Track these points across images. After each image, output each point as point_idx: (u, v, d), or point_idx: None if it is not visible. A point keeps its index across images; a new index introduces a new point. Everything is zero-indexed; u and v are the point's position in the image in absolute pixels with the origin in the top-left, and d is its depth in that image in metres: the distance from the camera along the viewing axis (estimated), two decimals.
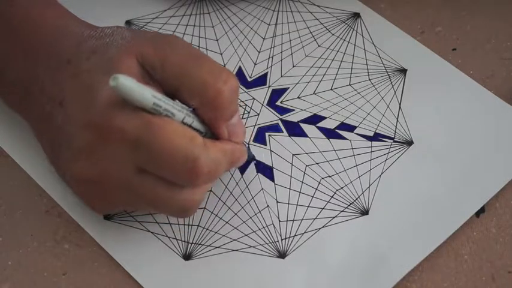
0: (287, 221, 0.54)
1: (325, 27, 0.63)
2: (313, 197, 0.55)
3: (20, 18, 0.54)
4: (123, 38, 0.51)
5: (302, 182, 0.56)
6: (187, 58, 0.49)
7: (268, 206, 0.55)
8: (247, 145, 0.57)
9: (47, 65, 0.52)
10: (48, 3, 0.55)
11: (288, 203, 0.55)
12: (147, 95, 0.46)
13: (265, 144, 0.58)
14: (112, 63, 0.49)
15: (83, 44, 0.51)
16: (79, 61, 0.50)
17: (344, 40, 0.62)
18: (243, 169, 0.56)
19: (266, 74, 0.61)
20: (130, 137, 0.47)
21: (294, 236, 0.54)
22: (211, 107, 0.48)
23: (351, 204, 0.55)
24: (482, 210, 0.55)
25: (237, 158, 0.51)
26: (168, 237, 0.54)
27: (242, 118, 0.59)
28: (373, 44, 0.62)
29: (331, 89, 0.60)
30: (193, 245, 0.53)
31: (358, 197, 0.55)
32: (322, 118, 0.59)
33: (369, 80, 0.60)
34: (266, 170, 0.56)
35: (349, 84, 0.60)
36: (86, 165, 0.49)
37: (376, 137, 0.58)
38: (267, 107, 0.59)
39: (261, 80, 0.61)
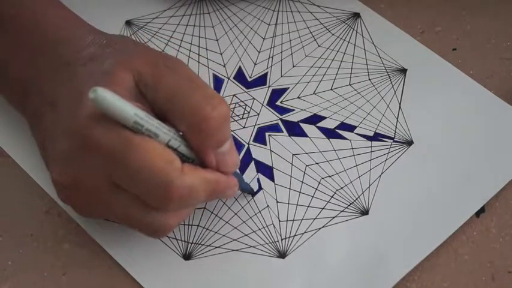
0: (287, 221, 0.54)
1: (325, 27, 0.63)
2: (313, 197, 0.55)
3: (25, 19, 0.54)
4: (124, 51, 0.50)
5: (302, 182, 0.56)
6: (181, 82, 0.48)
7: (268, 206, 0.55)
8: (241, 175, 0.55)
9: (48, 65, 0.52)
10: (54, 5, 0.55)
11: (288, 203, 0.55)
12: (129, 112, 0.45)
13: (265, 144, 0.58)
14: (105, 74, 0.48)
15: (83, 50, 0.51)
16: (76, 66, 0.50)
17: (344, 40, 0.62)
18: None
19: (266, 74, 0.61)
20: (106, 151, 0.46)
21: (294, 236, 0.54)
22: (198, 132, 0.48)
23: (351, 204, 0.55)
24: (482, 210, 0.55)
25: (222, 189, 0.50)
26: (168, 237, 0.53)
27: (242, 118, 0.59)
28: (373, 44, 0.62)
29: (331, 89, 0.60)
30: (193, 245, 0.53)
31: (358, 197, 0.55)
32: (322, 118, 0.59)
33: (369, 80, 0.60)
34: (266, 170, 0.56)
35: (349, 84, 0.60)
36: (63, 171, 0.49)
37: (376, 137, 0.58)
38: (267, 107, 0.59)
39: (261, 80, 0.61)
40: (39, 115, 0.51)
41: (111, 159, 0.46)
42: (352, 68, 0.61)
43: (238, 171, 0.54)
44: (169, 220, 0.49)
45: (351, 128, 0.58)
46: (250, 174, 0.56)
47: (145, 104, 0.48)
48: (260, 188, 0.56)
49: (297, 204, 0.55)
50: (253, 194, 0.55)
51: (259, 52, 0.62)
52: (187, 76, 0.49)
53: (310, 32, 0.63)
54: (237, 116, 0.59)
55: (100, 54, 0.50)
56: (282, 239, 0.54)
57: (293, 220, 0.54)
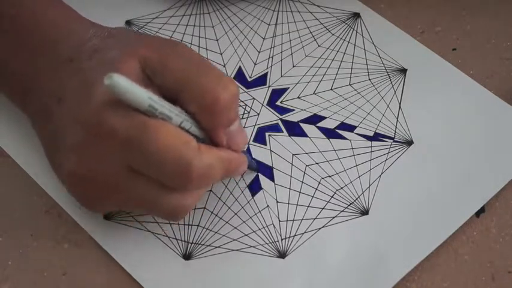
0: (287, 221, 0.54)
1: (325, 27, 0.63)
2: (313, 197, 0.55)
3: (25, 19, 0.54)
4: (127, 40, 0.51)
5: (302, 182, 0.56)
6: (189, 64, 0.49)
7: (268, 206, 0.55)
8: (250, 157, 0.56)
9: (50, 62, 0.52)
10: (54, 3, 0.55)
11: (288, 203, 0.55)
12: (143, 96, 0.46)
13: (265, 144, 0.58)
14: (113, 64, 0.49)
15: (86, 43, 0.51)
16: (81, 60, 0.50)
17: (344, 40, 0.62)
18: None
19: (266, 74, 0.61)
20: (122, 136, 0.46)
21: (294, 236, 0.54)
22: (209, 113, 0.48)
23: (351, 204, 0.55)
24: (482, 210, 0.55)
25: (235, 167, 0.51)
26: (168, 237, 0.54)
27: (242, 118, 0.59)
28: (373, 44, 0.62)
29: (331, 89, 0.60)
30: (193, 244, 0.53)
31: (358, 197, 0.55)
32: (322, 118, 0.59)
33: (369, 80, 0.60)
34: (266, 170, 0.56)
35: (349, 84, 0.60)
36: (78, 162, 0.49)
37: (376, 136, 0.58)
38: (267, 107, 0.59)
39: (261, 80, 0.61)
40: (44, 112, 0.51)
41: (127, 144, 0.46)
42: (352, 68, 0.61)
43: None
44: (187, 200, 0.49)
45: (351, 128, 0.58)
46: (250, 174, 0.56)
47: (154, 89, 0.48)
48: (260, 188, 0.56)
49: (297, 204, 0.55)
50: (258, 171, 0.56)
51: (259, 52, 0.62)
52: (194, 58, 0.49)
53: (310, 32, 0.63)
54: None
55: (104, 45, 0.51)
56: (282, 239, 0.54)
57: (293, 220, 0.54)
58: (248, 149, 0.57)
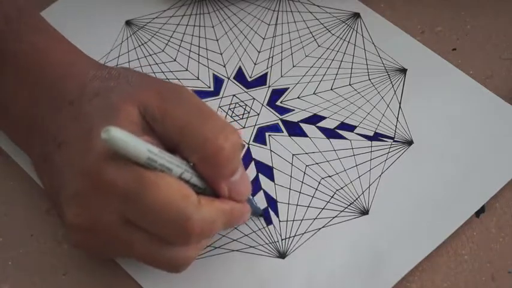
0: (287, 221, 0.54)
1: (325, 27, 0.63)
2: (313, 197, 0.55)
3: (26, 55, 0.53)
4: (128, 83, 0.49)
5: (302, 182, 0.56)
6: (190, 112, 0.47)
7: (268, 206, 0.55)
8: (253, 199, 0.54)
9: (50, 104, 0.51)
10: (55, 38, 0.55)
11: (288, 203, 0.55)
12: (141, 149, 0.44)
13: (265, 144, 0.58)
14: (112, 110, 0.47)
15: (87, 86, 0.50)
16: (81, 103, 0.49)
17: (344, 40, 0.62)
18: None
19: (266, 74, 0.61)
20: (121, 189, 0.45)
21: (294, 236, 0.54)
22: (210, 164, 0.47)
23: (351, 204, 0.55)
24: (482, 210, 0.55)
25: (237, 218, 0.49)
26: None
27: (242, 118, 0.59)
28: (373, 44, 0.62)
29: (331, 89, 0.60)
30: None
31: (358, 197, 0.55)
32: (322, 118, 0.59)
33: (369, 79, 0.60)
34: (266, 170, 0.56)
35: (349, 84, 0.60)
36: (78, 212, 0.47)
37: (376, 136, 0.58)
38: (267, 107, 0.59)
39: (261, 80, 0.61)
40: (45, 156, 0.50)
41: (126, 198, 0.45)
42: (352, 68, 0.61)
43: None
44: (188, 253, 0.48)
45: (351, 128, 0.58)
46: (250, 175, 0.56)
47: (154, 137, 0.47)
48: (260, 188, 0.56)
49: (297, 205, 0.55)
50: (262, 215, 0.54)
51: (259, 52, 0.62)
52: (195, 105, 0.48)
53: (310, 32, 0.63)
54: (237, 116, 0.59)
55: (104, 88, 0.49)
56: (282, 239, 0.54)
57: (293, 220, 0.54)
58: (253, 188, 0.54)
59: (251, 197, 0.53)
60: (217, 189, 0.48)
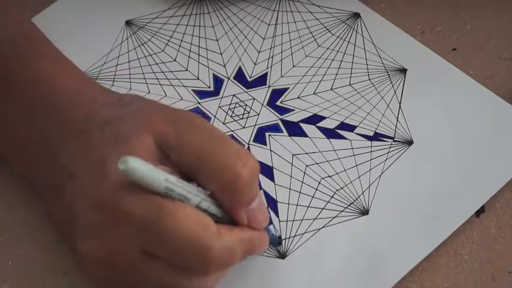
0: (287, 221, 0.54)
1: (325, 27, 0.63)
2: (313, 197, 0.55)
3: (32, 81, 0.52)
4: (140, 111, 0.48)
5: (302, 182, 0.56)
6: (205, 140, 0.46)
7: (268, 206, 0.55)
8: (270, 228, 0.52)
9: (59, 132, 0.50)
10: (62, 64, 0.54)
11: (288, 203, 0.55)
12: (159, 178, 0.43)
13: (265, 144, 0.58)
14: (126, 138, 0.46)
15: (97, 114, 0.49)
16: (91, 132, 0.48)
17: (344, 40, 0.62)
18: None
19: (266, 74, 0.61)
20: (139, 220, 0.44)
21: (294, 236, 0.54)
22: (229, 191, 0.46)
23: (351, 204, 0.55)
24: (482, 210, 0.55)
25: (256, 246, 0.48)
26: None
27: (242, 118, 0.59)
28: (373, 44, 0.62)
29: (331, 89, 0.60)
30: None
31: (358, 197, 0.55)
32: (322, 118, 0.59)
33: (369, 79, 0.60)
34: (266, 170, 0.56)
35: (349, 84, 0.60)
36: (95, 244, 0.46)
37: (376, 136, 0.58)
38: (267, 107, 0.59)
39: (261, 80, 0.61)
40: (55, 188, 0.49)
41: (144, 228, 0.44)
42: (352, 68, 0.61)
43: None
44: (208, 283, 0.47)
45: (351, 128, 0.58)
46: None
47: (170, 165, 0.46)
48: (260, 188, 0.56)
49: (297, 205, 0.55)
50: (280, 244, 0.53)
51: (259, 52, 0.62)
52: (210, 132, 0.47)
53: (310, 32, 0.63)
54: (237, 116, 0.59)
55: (116, 116, 0.48)
56: (282, 240, 0.54)
57: (293, 220, 0.54)
58: (270, 218, 0.53)
59: (269, 226, 0.52)
60: (236, 217, 0.47)
